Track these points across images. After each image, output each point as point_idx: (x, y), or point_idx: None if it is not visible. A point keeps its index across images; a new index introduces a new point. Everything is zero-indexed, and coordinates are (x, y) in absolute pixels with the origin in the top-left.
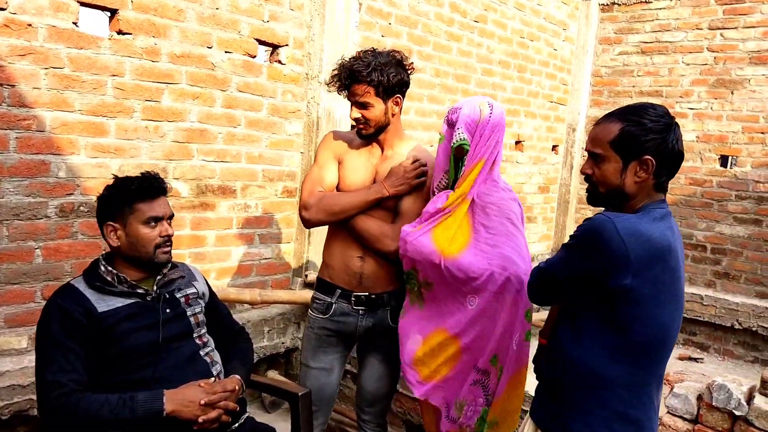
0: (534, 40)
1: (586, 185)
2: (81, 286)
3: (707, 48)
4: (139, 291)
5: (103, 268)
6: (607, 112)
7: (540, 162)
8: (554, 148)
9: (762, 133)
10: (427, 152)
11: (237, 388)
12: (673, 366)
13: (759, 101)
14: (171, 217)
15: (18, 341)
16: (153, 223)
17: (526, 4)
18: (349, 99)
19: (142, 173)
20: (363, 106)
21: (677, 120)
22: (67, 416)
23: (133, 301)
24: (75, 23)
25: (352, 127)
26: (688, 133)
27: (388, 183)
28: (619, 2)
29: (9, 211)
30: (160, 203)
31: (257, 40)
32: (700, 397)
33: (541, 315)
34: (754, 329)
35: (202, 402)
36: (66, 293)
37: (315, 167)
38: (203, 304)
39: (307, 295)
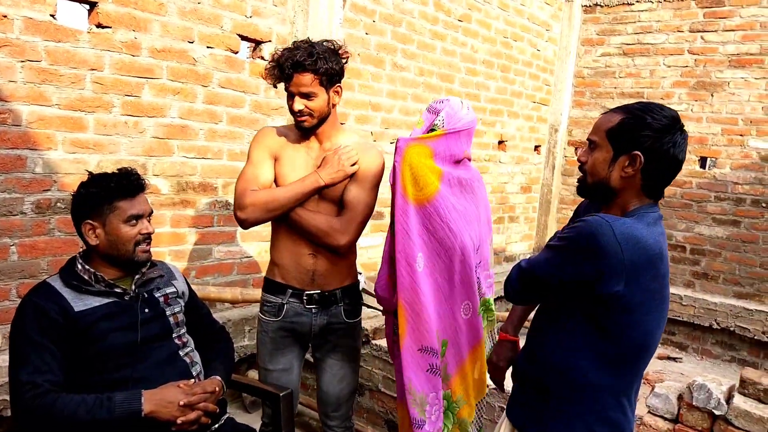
0: (517, 41)
1: (568, 186)
2: (57, 284)
3: (688, 50)
4: (117, 290)
5: (80, 266)
6: (588, 111)
7: (522, 162)
8: (537, 148)
9: (741, 135)
10: (368, 144)
11: (217, 389)
12: (652, 365)
13: (738, 104)
14: (150, 214)
15: None
16: (134, 221)
17: (509, 4)
18: (290, 90)
19: (119, 169)
20: (307, 96)
21: None
22: (42, 417)
23: (110, 300)
24: (53, 15)
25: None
26: None
27: (323, 172)
28: (602, 4)
29: None
30: (140, 200)
31: (240, 35)
32: (680, 397)
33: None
34: (731, 329)
35: (181, 403)
36: (42, 291)
37: (248, 166)
38: (183, 304)
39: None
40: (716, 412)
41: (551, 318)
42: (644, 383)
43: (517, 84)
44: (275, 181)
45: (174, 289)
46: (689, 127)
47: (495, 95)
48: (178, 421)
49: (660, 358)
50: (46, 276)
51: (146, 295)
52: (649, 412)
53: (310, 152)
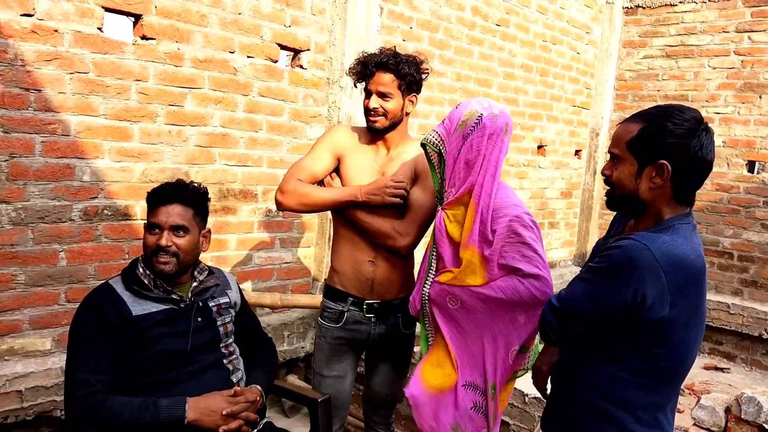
0: (557, 44)
1: (608, 189)
2: (118, 287)
3: (734, 51)
4: (174, 297)
5: (141, 269)
6: (629, 115)
7: (563, 167)
8: (577, 152)
9: None
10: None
11: (258, 398)
12: (698, 376)
13: None
14: (179, 228)
15: (42, 343)
16: (156, 231)
17: (548, 8)
18: (369, 88)
19: (177, 180)
20: (384, 96)
21: None
22: (91, 415)
23: (167, 307)
24: (99, 28)
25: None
26: (715, 138)
27: (365, 189)
28: (644, 5)
29: (34, 214)
30: (166, 211)
31: (279, 44)
32: (728, 410)
33: None
34: None
35: (225, 412)
36: (103, 294)
37: (307, 156)
38: (233, 314)
39: (317, 299)
40: (767, 426)
41: (597, 349)
42: (690, 394)
43: (556, 88)
44: (340, 178)
45: (227, 300)
46: (736, 130)
47: (534, 99)
48: (221, 429)
49: (707, 368)
50: (94, 281)
51: (201, 304)
52: (694, 424)
53: (378, 158)
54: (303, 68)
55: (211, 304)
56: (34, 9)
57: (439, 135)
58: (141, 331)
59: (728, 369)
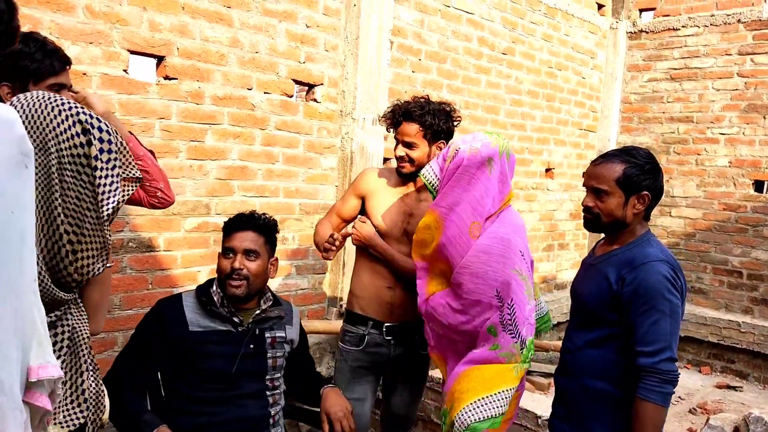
0: (562, 70)
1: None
2: (188, 299)
3: (737, 73)
4: (235, 319)
5: (214, 287)
6: (637, 137)
7: (571, 189)
8: (584, 174)
9: None
10: None
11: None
12: (711, 395)
13: None
14: (251, 252)
15: None
16: (230, 254)
17: (553, 35)
18: (396, 137)
19: (251, 211)
20: (409, 145)
21: (709, 145)
22: (110, 386)
23: (225, 328)
24: (125, 70)
25: (393, 161)
26: (721, 158)
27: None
28: (647, 30)
29: None
30: (240, 237)
31: (294, 80)
32: (736, 429)
33: None
34: None
35: None
36: (171, 304)
37: (339, 201)
38: (287, 350)
39: (337, 325)
40: None
41: (586, 333)
42: (702, 413)
43: (563, 112)
44: (368, 215)
45: (284, 335)
46: (742, 150)
47: (541, 124)
48: None
49: (719, 387)
50: (119, 311)
51: (257, 332)
52: None
53: (406, 198)
54: (317, 102)
55: (267, 334)
56: None
57: (434, 171)
58: (194, 345)
59: (741, 387)
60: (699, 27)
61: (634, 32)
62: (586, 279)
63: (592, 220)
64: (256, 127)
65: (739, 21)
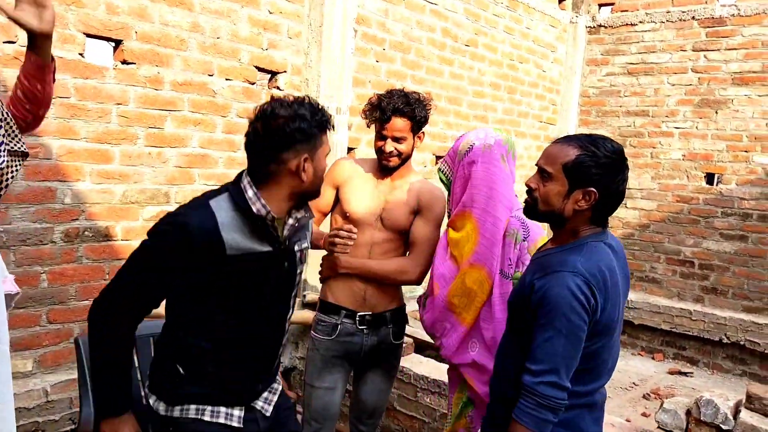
0: (523, 63)
1: (528, 200)
2: (222, 214)
3: (691, 69)
4: (275, 237)
5: (251, 193)
6: (594, 130)
7: None
8: None
9: (746, 151)
10: (433, 184)
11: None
12: (663, 380)
13: (742, 120)
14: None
15: (24, 364)
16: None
17: (515, 28)
18: (382, 132)
19: (306, 98)
20: (398, 140)
21: (663, 139)
22: (97, 320)
23: (265, 249)
24: (81, 54)
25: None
26: (675, 151)
27: (328, 240)
28: (606, 25)
29: (16, 237)
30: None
31: (256, 67)
32: (688, 413)
33: None
34: (741, 343)
35: None
36: (202, 225)
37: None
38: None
39: (307, 315)
40: (723, 427)
41: (507, 334)
42: (655, 398)
43: (524, 105)
44: (342, 203)
45: (307, 245)
46: (695, 144)
47: (502, 116)
48: None
49: (671, 372)
50: (75, 301)
51: (291, 248)
52: (658, 427)
53: (381, 186)
54: (280, 89)
55: (296, 248)
56: (16, 36)
57: (448, 164)
58: (228, 272)
59: (691, 373)
60: (655, 23)
61: (593, 27)
62: (524, 274)
63: (530, 205)
64: (217, 114)
65: (693, 18)
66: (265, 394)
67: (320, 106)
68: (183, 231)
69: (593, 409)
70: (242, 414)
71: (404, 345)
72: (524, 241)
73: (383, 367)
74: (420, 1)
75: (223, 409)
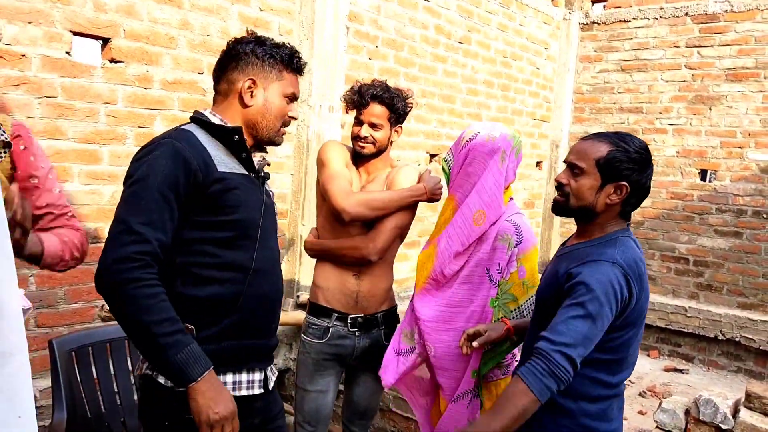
0: (517, 60)
1: (559, 198)
2: (200, 133)
3: (685, 65)
4: (254, 161)
5: (216, 119)
6: (588, 127)
7: (524, 178)
8: (538, 164)
9: (739, 147)
10: (400, 166)
11: None
12: (659, 378)
13: (736, 117)
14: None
15: None
16: (290, 101)
17: (508, 25)
18: (361, 117)
19: (284, 44)
20: (375, 126)
21: (657, 135)
22: (115, 287)
23: (244, 172)
24: (68, 53)
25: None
26: (669, 148)
27: (428, 186)
28: (599, 21)
29: None
30: (299, 83)
31: None
32: (687, 412)
33: None
34: (737, 340)
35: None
36: (185, 139)
37: (336, 170)
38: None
39: (299, 315)
40: (723, 427)
41: (539, 332)
42: (651, 396)
43: (517, 102)
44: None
45: (273, 191)
46: (689, 140)
47: (496, 114)
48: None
49: (667, 370)
50: (64, 305)
51: (264, 183)
52: (657, 427)
53: (358, 177)
54: None
55: (267, 187)
56: (1, 34)
57: (452, 154)
58: (223, 190)
59: (687, 370)
60: (649, 19)
61: (587, 23)
62: (546, 272)
63: (561, 203)
64: None
65: (686, 14)
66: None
67: (292, 49)
68: (176, 150)
69: (620, 399)
70: (262, 378)
71: None
72: (516, 247)
73: (375, 369)
74: None
75: (244, 377)
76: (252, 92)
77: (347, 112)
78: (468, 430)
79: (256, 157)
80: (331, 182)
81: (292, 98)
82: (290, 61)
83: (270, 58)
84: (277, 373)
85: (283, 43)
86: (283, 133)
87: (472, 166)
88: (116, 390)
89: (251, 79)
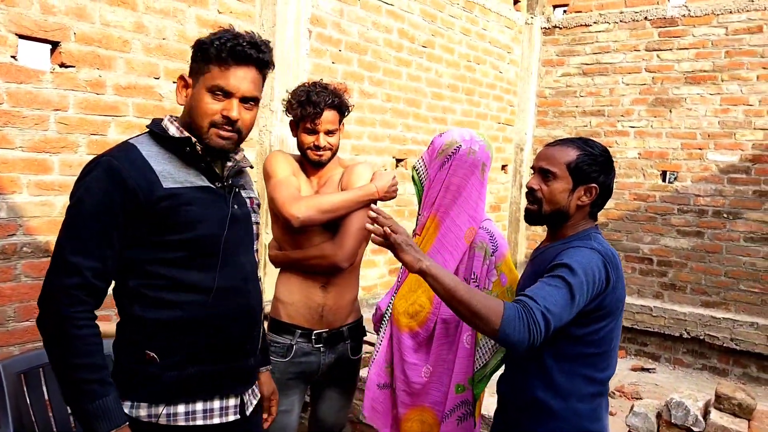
0: (480, 64)
1: (531, 205)
2: (146, 147)
3: (645, 69)
4: (211, 173)
5: (174, 128)
6: (552, 130)
7: (490, 182)
8: (503, 167)
9: (699, 149)
10: (352, 165)
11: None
12: (627, 377)
13: (695, 119)
14: (252, 101)
15: None
16: (219, 95)
17: (471, 29)
18: (312, 127)
19: (247, 33)
20: (330, 132)
21: (620, 138)
22: (53, 323)
23: (204, 183)
24: (14, 57)
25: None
26: (630, 150)
27: (378, 183)
28: (560, 26)
29: None
30: (241, 75)
31: None
32: (659, 415)
33: None
34: (701, 338)
35: None
36: (126, 157)
37: (283, 176)
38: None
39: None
40: (695, 429)
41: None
42: (620, 396)
43: (482, 106)
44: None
45: (256, 195)
46: (650, 142)
47: (461, 118)
48: None
49: (634, 369)
50: (14, 322)
51: (237, 190)
52: (629, 430)
53: (310, 182)
54: None
55: (244, 194)
56: None
57: (424, 162)
58: (172, 207)
59: (654, 369)
60: (609, 23)
61: (548, 28)
62: (523, 275)
63: (534, 211)
64: None
65: (646, 18)
66: (249, 391)
67: (235, 37)
68: (111, 169)
69: (606, 399)
70: (238, 403)
71: (363, 357)
72: (492, 255)
73: (342, 384)
74: (375, 2)
75: (216, 404)
76: (182, 91)
77: (296, 120)
78: (428, 263)
79: (230, 163)
80: (277, 190)
81: (222, 92)
82: (217, 52)
83: (200, 51)
84: (259, 396)
85: (238, 33)
86: (220, 135)
87: (455, 179)
88: (70, 412)
89: (180, 76)
